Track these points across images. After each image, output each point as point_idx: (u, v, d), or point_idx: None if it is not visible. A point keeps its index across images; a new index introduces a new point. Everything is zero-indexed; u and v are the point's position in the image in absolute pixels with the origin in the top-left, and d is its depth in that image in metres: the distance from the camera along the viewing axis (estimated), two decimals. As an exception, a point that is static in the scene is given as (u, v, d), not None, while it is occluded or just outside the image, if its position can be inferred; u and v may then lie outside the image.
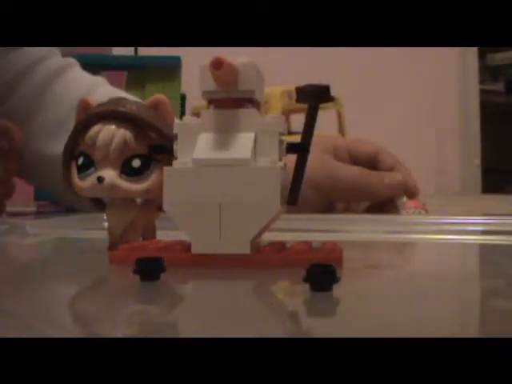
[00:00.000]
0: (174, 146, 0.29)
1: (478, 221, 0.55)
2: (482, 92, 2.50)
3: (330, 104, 1.38)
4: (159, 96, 0.33)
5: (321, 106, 0.29)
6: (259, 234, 0.29)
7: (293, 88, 0.31)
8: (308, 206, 0.62)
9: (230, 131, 0.29)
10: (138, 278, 0.25)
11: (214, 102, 0.29)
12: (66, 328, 0.20)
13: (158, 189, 0.30)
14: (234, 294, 0.25)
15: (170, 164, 0.29)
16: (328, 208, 0.67)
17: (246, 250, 0.28)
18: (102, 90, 0.65)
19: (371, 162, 0.67)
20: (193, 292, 0.27)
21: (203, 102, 0.30)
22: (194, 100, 0.91)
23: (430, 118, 2.37)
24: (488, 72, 2.62)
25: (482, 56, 2.53)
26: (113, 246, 0.32)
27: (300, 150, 0.29)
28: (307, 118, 0.29)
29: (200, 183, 0.28)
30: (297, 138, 0.30)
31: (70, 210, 0.65)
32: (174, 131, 0.29)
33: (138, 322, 0.21)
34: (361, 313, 0.21)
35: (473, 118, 2.46)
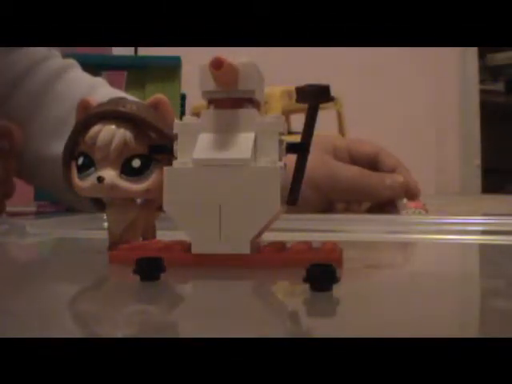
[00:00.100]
0: (174, 146, 0.29)
1: (478, 221, 0.55)
2: (482, 92, 2.50)
3: (329, 104, 1.37)
4: (159, 96, 0.33)
5: (321, 106, 0.29)
6: (259, 234, 0.29)
7: (293, 88, 0.31)
8: (308, 206, 0.62)
9: (229, 131, 0.29)
10: (138, 278, 0.25)
11: (214, 102, 0.29)
12: (66, 328, 0.20)
13: (158, 189, 0.30)
14: (234, 293, 0.25)
15: (170, 164, 0.29)
16: (328, 208, 0.67)
17: (246, 250, 0.28)
18: (102, 90, 0.65)
19: (371, 163, 0.67)
20: (193, 292, 0.27)
21: (203, 102, 0.30)
22: (194, 100, 0.91)
23: (430, 118, 2.37)
24: (488, 72, 2.62)
25: (482, 56, 2.53)
26: (113, 245, 0.32)
27: (300, 149, 0.29)
28: (307, 118, 0.29)
29: (200, 183, 0.28)
30: (297, 138, 0.30)
31: (70, 210, 0.65)
32: (174, 131, 0.29)
33: (138, 321, 0.21)
34: (361, 313, 0.21)
35: (473, 118, 2.46)
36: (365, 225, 0.55)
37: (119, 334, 0.19)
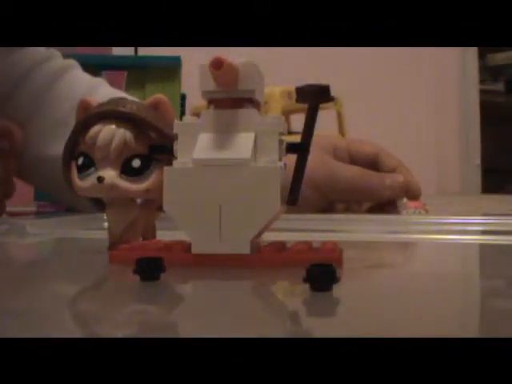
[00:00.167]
0: (174, 146, 0.29)
1: (478, 221, 0.55)
2: (482, 92, 2.50)
3: (330, 104, 1.38)
4: (159, 96, 0.33)
5: (321, 105, 0.29)
6: (259, 234, 0.29)
7: (293, 88, 0.31)
8: (308, 206, 0.62)
9: (229, 131, 0.29)
10: (138, 278, 0.25)
11: (214, 102, 0.29)
12: (66, 328, 0.20)
13: (158, 189, 0.30)
14: (234, 293, 0.25)
15: (170, 164, 0.29)
16: (328, 208, 0.67)
17: (246, 250, 0.28)
18: (102, 90, 0.65)
19: (371, 163, 0.67)
20: (193, 292, 0.27)
21: (203, 102, 0.30)
22: (194, 100, 0.91)
23: (430, 118, 2.37)
24: (488, 72, 2.62)
25: (482, 56, 2.53)
26: (113, 245, 0.32)
27: (300, 149, 0.29)
28: (307, 118, 0.29)
29: (200, 183, 0.28)
30: (297, 138, 0.30)
31: (70, 210, 0.65)
32: (174, 131, 0.29)
33: (138, 321, 0.21)
34: (361, 313, 0.21)
35: (473, 118, 2.46)
36: (365, 225, 0.55)
37: (119, 334, 0.19)
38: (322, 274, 0.23)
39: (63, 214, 0.65)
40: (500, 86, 2.65)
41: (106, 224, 0.34)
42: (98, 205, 0.34)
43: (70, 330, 0.20)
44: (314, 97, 0.29)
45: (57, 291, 0.27)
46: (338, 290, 0.23)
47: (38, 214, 0.71)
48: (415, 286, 0.27)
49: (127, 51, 1.51)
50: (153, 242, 0.32)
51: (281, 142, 0.29)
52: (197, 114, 0.31)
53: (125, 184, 0.31)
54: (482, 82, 2.53)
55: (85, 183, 0.32)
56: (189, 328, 0.20)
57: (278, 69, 1.34)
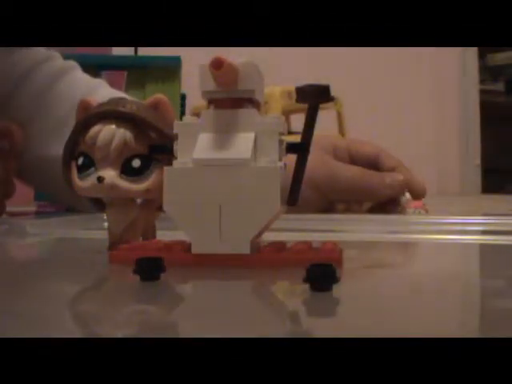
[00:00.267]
0: (174, 146, 0.29)
1: (478, 221, 0.55)
2: (482, 92, 2.50)
3: (330, 104, 1.38)
4: (159, 96, 0.33)
5: (321, 105, 0.29)
6: (259, 234, 0.29)
7: (293, 88, 0.31)
8: (308, 206, 0.62)
9: (229, 131, 0.29)
10: (138, 278, 0.25)
11: (214, 101, 0.29)
12: (66, 328, 0.20)
13: (158, 189, 0.30)
14: (234, 293, 0.25)
15: (170, 164, 0.29)
16: (328, 208, 0.67)
17: (246, 250, 0.28)
18: (102, 91, 0.65)
19: (371, 164, 0.67)
20: (193, 292, 0.27)
21: (203, 102, 0.30)
22: (194, 100, 0.91)
23: (430, 118, 2.37)
24: (488, 72, 2.62)
25: (482, 56, 2.53)
26: (113, 245, 0.32)
27: (300, 149, 0.29)
28: (307, 118, 0.29)
29: (200, 183, 0.28)
30: (297, 138, 0.30)
31: (70, 210, 0.66)
32: (174, 131, 0.29)
33: (138, 321, 0.21)
34: (361, 313, 0.21)
35: (473, 118, 2.46)
36: (365, 225, 0.55)
37: (119, 334, 0.19)
38: (322, 274, 0.23)
39: (63, 214, 0.65)
40: (500, 86, 2.65)
41: (106, 224, 0.34)
42: (98, 205, 0.34)
43: (69, 330, 0.20)
44: (314, 97, 0.29)
45: (57, 291, 0.27)
46: (337, 290, 0.23)
47: (38, 214, 0.71)
48: (415, 286, 0.27)
49: (127, 51, 1.52)
50: (153, 242, 0.32)
51: (281, 141, 0.29)
52: (197, 114, 0.31)
53: (125, 184, 0.31)
54: (482, 82, 2.53)
55: (85, 183, 0.32)
56: (189, 328, 0.20)
57: (278, 69, 1.35)
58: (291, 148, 0.29)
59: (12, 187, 0.56)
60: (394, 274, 0.32)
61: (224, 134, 0.29)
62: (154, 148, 0.31)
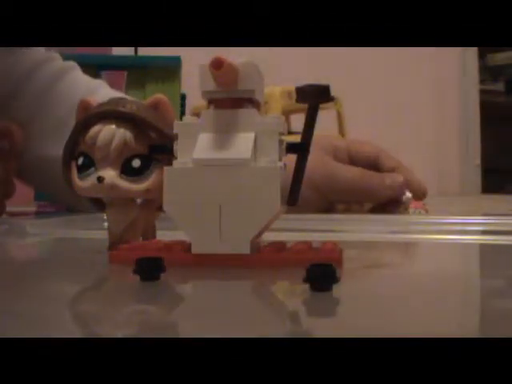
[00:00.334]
0: (174, 146, 0.29)
1: (478, 221, 0.55)
2: (482, 92, 2.50)
3: (330, 104, 1.37)
4: (159, 96, 0.33)
5: (321, 105, 0.29)
6: (259, 234, 0.29)
7: (293, 88, 0.31)
8: (308, 206, 0.62)
9: (229, 131, 0.29)
10: (138, 278, 0.25)
11: (214, 102, 0.29)
12: (66, 328, 0.20)
13: (158, 189, 0.30)
14: (234, 293, 0.25)
15: (170, 164, 0.29)
16: (328, 209, 0.67)
17: (246, 250, 0.28)
18: (102, 92, 0.65)
19: (371, 164, 0.67)
20: (193, 292, 0.27)
21: (203, 102, 0.30)
22: (194, 100, 0.91)
23: (430, 118, 2.37)
24: (488, 72, 2.62)
25: (482, 56, 2.53)
26: (113, 245, 0.32)
27: (300, 149, 0.29)
28: (307, 118, 0.29)
29: (200, 183, 0.28)
30: (297, 138, 0.30)
31: (70, 210, 0.66)
32: (174, 131, 0.29)
33: (138, 321, 0.21)
34: (361, 313, 0.21)
35: (473, 118, 2.46)
36: (365, 225, 0.55)
37: (119, 334, 0.19)
38: (322, 274, 0.23)
39: (63, 214, 0.65)
40: (500, 86, 2.65)
41: (106, 224, 0.34)
42: (98, 205, 0.34)
43: (69, 330, 0.20)
44: (314, 97, 0.29)
45: (57, 291, 0.27)
46: (337, 290, 0.23)
47: (38, 214, 0.71)
48: (415, 286, 0.27)
49: (127, 51, 1.52)
50: (153, 242, 0.32)
51: (281, 141, 0.29)
52: (197, 114, 0.31)
53: (125, 184, 0.31)
54: (482, 82, 2.53)
55: (85, 183, 0.32)
56: (189, 328, 0.20)
57: (278, 69, 1.35)
58: (291, 148, 0.29)
59: (12, 187, 0.56)
60: (394, 273, 0.32)
61: (224, 133, 0.29)
62: (154, 148, 0.31)
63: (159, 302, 0.24)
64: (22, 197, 0.66)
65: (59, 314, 0.22)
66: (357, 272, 0.30)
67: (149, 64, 0.88)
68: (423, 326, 0.19)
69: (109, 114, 0.32)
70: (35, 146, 0.63)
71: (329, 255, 0.28)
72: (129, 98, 0.35)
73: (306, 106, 0.29)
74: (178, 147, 0.29)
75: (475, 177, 2.46)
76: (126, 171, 0.31)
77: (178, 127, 0.29)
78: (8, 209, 0.56)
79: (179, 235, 0.30)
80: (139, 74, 0.87)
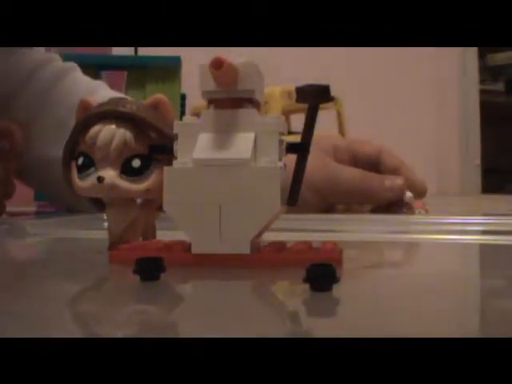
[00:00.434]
0: (174, 146, 0.29)
1: (478, 221, 0.55)
2: (482, 92, 2.50)
3: (330, 104, 1.38)
4: (159, 96, 0.33)
5: (321, 105, 0.29)
6: (259, 234, 0.29)
7: (293, 88, 0.31)
8: (307, 207, 0.62)
9: (229, 131, 0.29)
10: (138, 278, 0.25)
11: (214, 101, 0.29)
12: (66, 328, 0.20)
13: (158, 189, 0.30)
14: (234, 293, 0.25)
15: (170, 164, 0.29)
16: (328, 209, 0.67)
17: (246, 250, 0.28)
18: (102, 93, 0.65)
19: (373, 163, 0.67)
20: (193, 292, 0.27)
21: (203, 102, 0.30)
22: (194, 100, 0.91)
23: (430, 118, 2.37)
24: (488, 72, 2.62)
25: (482, 56, 2.53)
26: (113, 245, 0.32)
27: (300, 149, 0.29)
28: (307, 118, 0.29)
29: (200, 183, 0.28)
30: (297, 138, 0.30)
31: (70, 210, 0.66)
32: (174, 131, 0.29)
33: (138, 321, 0.21)
34: (361, 313, 0.21)
35: (473, 118, 2.46)
36: (365, 225, 0.55)
37: (119, 334, 0.19)
38: (322, 274, 0.23)
39: (63, 214, 0.65)
40: (500, 86, 2.65)
41: (106, 224, 0.34)
42: (98, 205, 0.34)
43: (69, 330, 0.20)
44: (314, 97, 0.29)
45: (57, 291, 0.27)
46: (337, 290, 0.23)
47: (38, 214, 0.71)
48: (415, 286, 0.27)
49: (127, 51, 1.52)
50: (153, 242, 0.32)
51: (281, 141, 0.29)
52: (197, 114, 0.31)
53: (125, 184, 0.31)
54: (482, 82, 2.53)
55: (85, 183, 0.32)
56: (189, 328, 0.20)
57: (278, 69, 1.35)
58: (291, 148, 0.29)
59: (12, 187, 0.56)
60: (394, 273, 0.32)
61: (224, 133, 0.29)
62: (154, 148, 0.31)
63: (159, 302, 0.24)
64: (22, 197, 0.66)
65: (59, 314, 0.22)
66: (357, 272, 0.30)
67: (149, 64, 0.88)
68: (423, 325, 0.19)
69: (109, 114, 0.32)
70: (35, 146, 0.63)
71: (329, 255, 0.28)
72: (129, 98, 0.35)
73: (305, 106, 0.29)
74: (177, 147, 0.29)
75: (475, 177, 2.46)
76: (126, 171, 0.31)
77: (177, 127, 0.29)
78: (8, 209, 0.56)
79: (179, 235, 0.30)
80: (139, 73, 0.87)
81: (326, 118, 0.76)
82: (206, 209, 0.28)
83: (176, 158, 0.29)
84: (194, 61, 0.35)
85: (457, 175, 2.44)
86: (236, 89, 0.29)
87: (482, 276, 0.31)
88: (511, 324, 0.19)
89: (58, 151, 0.34)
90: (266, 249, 0.29)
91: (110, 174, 0.31)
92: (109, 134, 0.31)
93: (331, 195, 0.65)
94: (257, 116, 0.29)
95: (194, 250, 0.28)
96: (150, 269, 0.25)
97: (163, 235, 0.34)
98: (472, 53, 2.46)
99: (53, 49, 0.69)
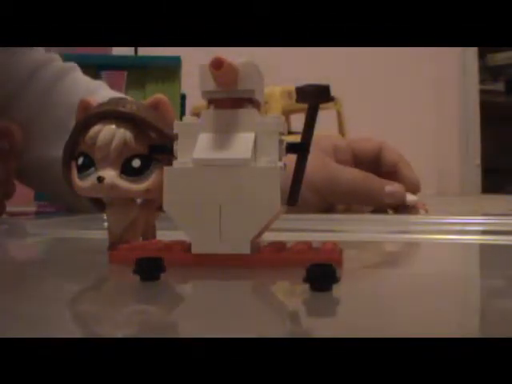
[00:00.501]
0: (174, 146, 0.29)
1: (478, 221, 0.55)
2: (482, 92, 2.50)
3: (330, 104, 1.38)
4: (159, 96, 0.33)
5: (321, 105, 0.29)
6: (259, 234, 0.29)
7: (293, 88, 0.31)
8: (307, 208, 0.62)
9: (229, 131, 0.29)
10: (138, 277, 0.25)
11: (214, 102, 0.29)
12: (66, 328, 0.20)
13: (158, 189, 0.30)
14: (234, 293, 0.25)
15: (170, 164, 0.29)
16: (328, 209, 0.67)
17: (246, 250, 0.28)
18: (102, 93, 0.65)
19: (373, 160, 0.67)
20: (193, 292, 0.27)
21: (203, 102, 0.30)
22: (194, 100, 0.91)
23: (430, 118, 2.37)
24: (488, 72, 2.62)
25: (482, 56, 2.53)
26: (113, 245, 0.32)
27: (300, 149, 0.29)
28: (307, 118, 0.29)
29: (200, 183, 0.28)
30: (297, 138, 0.30)
31: (70, 210, 0.66)
32: (174, 131, 0.29)
33: (138, 321, 0.21)
34: (361, 313, 0.21)
35: (473, 118, 2.46)
36: (365, 225, 0.55)
37: (119, 334, 0.19)
38: (322, 274, 0.23)
39: (63, 214, 0.65)
40: (500, 86, 2.65)
41: (106, 224, 0.34)
42: (98, 205, 0.34)
43: (70, 330, 0.20)
44: (314, 97, 0.29)
45: (57, 291, 0.27)
46: (337, 290, 0.23)
47: (38, 214, 0.71)
48: (415, 286, 0.27)
49: (127, 51, 1.52)
50: (153, 242, 0.32)
51: (281, 141, 0.29)
52: (197, 114, 0.31)
53: (125, 184, 0.31)
54: (482, 82, 2.53)
55: (85, 183, 0.32)
56: (189, 328, 0.20)
57: (278, 69, 1.35)
58: (291, 148, 0.29)
59: (12, 187, 0.56)
60: (394, 273, 0.32)
61: (224, 133, 0.29)
62: (154, 148, 0.31)
63: (159, 302, 0.24)
64: (22, 197, 0.66)
65: (59, 314, 0.22)
66: (357, 272, 0.30)
67: (149, 64, 0.88)
68: (423, 325, 0.19)
69: (109, 114, 0.32)
70: (35, 146, 0.63)
71: (329, 255, 0.28)
72: (129, 98, 0.35)
73: (305, 105, 0.29)
74: (178, 147, 0.29)
75: (475, 177, 2.46)
76: (126, 171, 0.31)
77: (178, 127, 0.29)
78: (8, 209, 0.56)
79: (179, 235, 0.30)
80: (139, 73, 0.87)
81: (326, 118, 0.76)
82: (206, 209, 0.28)
83: (176, 158, 0.29)
84: (194, 61, 0.35)
85: (457, 175, 2.44)
86: (236, 89, 0.29)
87: (482, 276, 0.31)
88: (511, 324, 0.19)
89: (58, 151, 0.34)
90: (266, 249, 0.29)
91: (110, 174, 0.31)
92: (109, 133, 0.31)
93: (331, 195, 0.65)
94: (257, 116, 0.29)
95: (194, 250, 0.28)
96: (150, 269, 0.25)
97: (163, 235, 0.34)
98: (472, 53, 2.46)
99: (53, 49, 0.68)
